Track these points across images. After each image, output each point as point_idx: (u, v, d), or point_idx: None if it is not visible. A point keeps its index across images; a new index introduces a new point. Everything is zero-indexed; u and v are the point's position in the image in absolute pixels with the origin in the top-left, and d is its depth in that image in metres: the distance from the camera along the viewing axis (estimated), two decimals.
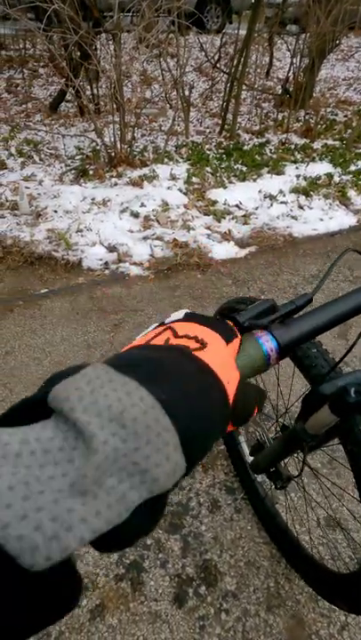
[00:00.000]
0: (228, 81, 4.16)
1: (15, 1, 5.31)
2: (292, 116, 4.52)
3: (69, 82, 4.02)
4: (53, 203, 2.91)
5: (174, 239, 2.57)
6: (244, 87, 4.60)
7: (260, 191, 3.14)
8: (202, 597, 1.18)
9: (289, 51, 4.64)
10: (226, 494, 1.41)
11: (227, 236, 2.68)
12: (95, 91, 4.70)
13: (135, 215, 2.74)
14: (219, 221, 2.78)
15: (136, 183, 3.08)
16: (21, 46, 6.28)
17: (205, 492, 1.42)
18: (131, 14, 5.07)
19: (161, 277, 2.40)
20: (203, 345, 0.29)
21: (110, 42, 4.15)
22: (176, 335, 0.31)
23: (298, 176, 3.38)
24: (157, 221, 2.71)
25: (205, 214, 2.85)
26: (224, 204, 2.96)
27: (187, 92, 4.31)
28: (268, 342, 0.38)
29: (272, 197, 3.07)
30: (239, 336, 0.35)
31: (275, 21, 5.08)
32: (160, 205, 2.83)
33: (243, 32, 4.05)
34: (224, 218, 2.81)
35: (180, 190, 3.04)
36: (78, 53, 4.14)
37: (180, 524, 1.33)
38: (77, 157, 3.70)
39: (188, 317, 0.34)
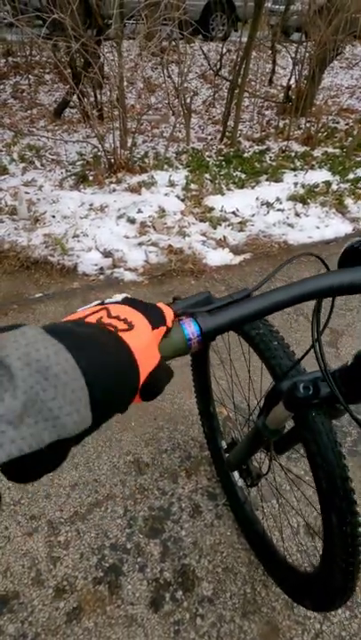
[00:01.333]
0: (230, 88, 4.19)
1: (23, 7, 5.40)
2: (294, 124, 4.54)
3: (73, 88, 4.08)
4: (52, 208, 2.94)
5: (169, 245, 2.59)
6: (246, 94, 4.64)
7: (257, 198, 3.16)
8: (178, 602, 1.19)
9: (292, 59, 4.67)
10: (207, 500, 1.42)
11: (222, 243, 2.70)
12: (99, 97, 4.76)
13: (132, 221, 2.77)
14: (214, 228, 2.81)
15: (134, 189, 3.11)
16: (28, 53, 6.37)
17: (188, 497, 1.43)
18: (134, 22, 5.15)
19: (155, 283, 2.42)
20: (130, 327, 0.34)
21: (114, 49, 4.21)
22: (109, 315, 0.35)
23: (296, 184, 3.40)
24: (153, 227, 2.73)
25: (201, 221, 2.87)
26: (221, 210, 2.99)
27: (189, 100, 4.35)
28: (190, 327, 0.40)
29: (269, 205, 3.09)
30: (168, 324, 0.39)
31: (277, 30, 5.12)
32: (157, 212, 2.85)
33: (246, 40, 4.09)
34: (220, 225, 2.83)
35: (178, 197, 3.07)
36: (82, 60, 4.20)
37: (160, 528, 1.34)
38: (78, 163, 3.75)
39: (125, 301, 0.38)
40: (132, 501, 1.41)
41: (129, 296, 0.39)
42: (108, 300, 0.38)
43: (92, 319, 0.34)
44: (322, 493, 0.78)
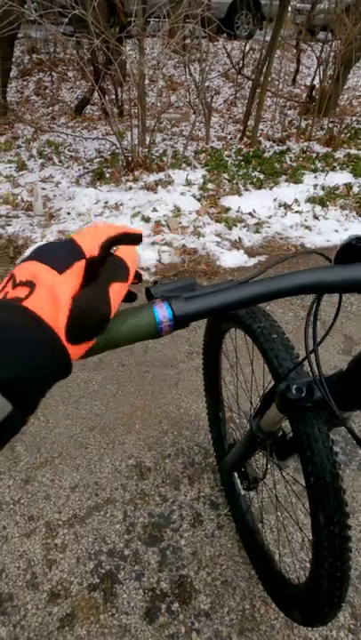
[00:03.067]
0: (253, 87, 4.13)
1: (48, 4, 5.43)
2: (316, 124, 4.45)
3: (93, 85, 4.07)
4: (67, 205, 2.94)
5: (183, 245, 2.56)
6: (268, 94, 4.56)
7: (275, 199, 3.09)
8: (174, 615, 1.15)
9: (317, 58, 4.58)
10: (210, 509, 1.38)
11: (237, 244, 2.65)
12: (119, 94, 4.75)
13: (146, 220, 2.74)
14: (230, 229, 2.76)
15: (150, 188, 3.08)
16: (52, 50, 6.41)
17: (189, 505, 1.39)
18: (157, 20, 5.12)
19: None
20: (31, 289, 0.30)
21: (136, 47, 4.19)
22: (14, 284, 0.31)
23: (316, 185, 3.32)
24: (168, 227, 2.70)
25: (217, 221, 2.82)
26: (237, 211, 2.93)
27: (210, 98, 4.30)
28: (162, 311, 0.39)
29: (287, 206, 3.02)
30: (82, 260, 0.33)
31: (302, 28, 5.02)
32: (172, 211, 2.82)
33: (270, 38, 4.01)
34: (235, 225, 2.78)
35: (194, 196, 3.03)
36: (104, 58, 4.19)
37: (159, 536, 1.31)
38: (96, 160, 3.74)
39: (33, 254, 0.33)
40: (132, 507, 1.38)
41: (40, 244, 0.35)
42: (21, 258, 0.34)
43: (0, 295, 0.31)
44: (311, 494, 0.75)
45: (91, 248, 0.34)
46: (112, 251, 0.37)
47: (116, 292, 0.34)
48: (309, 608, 0.87)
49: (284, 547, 1.28)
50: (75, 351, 0.31)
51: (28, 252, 0.34)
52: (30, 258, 0.33)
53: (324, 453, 0.74)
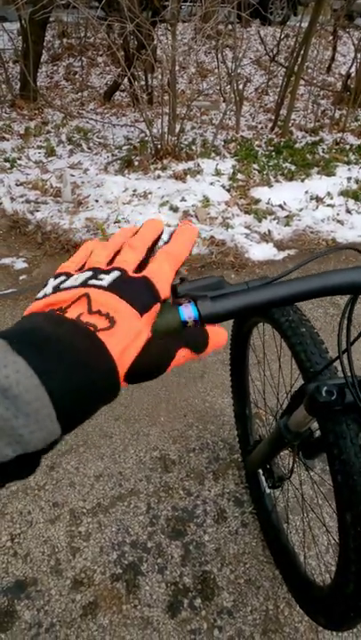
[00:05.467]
0: (286, 75, 4.02)
1: None
2: (351, 115, 4.31)
3: (124, 71, 4.03)
4: (96, 192, 2.92)
5: (211, 236, 2.52)
6: (302, 82, 4.43)
7: (306, 192, 3.01)
8: (196, 610, 1.14)
9: (354, 45, 4.42)
10: (234, 506, 1.36)
11: (266, 237, 2.59)
12: (150, 81, 4.69)
13: (174, 209, 2.70)
14: (259, 221, 2.70)
15: (179, 177, 3.04)
16: (82, 34, 6.36)
17: (213, 500, 1.38)
18: (190, 4, 5.01)
19: (194, 275, 2.36)
20: (111, 324, 0.30)
21: (168, 32, 4.11)
22: (90, 310, 0.31)
23: (349, 178, 3.22)
24: (196, 217, 2.66)
25: (246, 213, 2.77)
26: (267, 203, 2.87)
27: (241, 86, 4.21)
28: (187, 311, 0.37)
29: (319, 199, 2.94)
30: (162, 297, 0.34)
31: (341, 14, 4.85)
32: (201, 201, 2.78)
33: (306, 24, 3.88)
34: (265, 218, 2.72)
35: (223, 187, 2.97)
36: (135, 43, 4.13)
37: (183, 530, 1.30)
38: (125, 147, 3.71)
39: (112, 286, 0.32)
40: (155, 499, 1.37)
41: (117, 274, 0.33)
42: (91, 282, 0.33)
43: (73, 314, 0.31)
44: (338, 493, 0.72)
45: (163, 289, 0.34)
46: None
47: (182, 356, 0.35)
48: (335, 611, 0.84)
49: (310, 548, 1.26)
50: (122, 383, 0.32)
51: (106, 280, 0.33)
52: (111, 290, 0.32)
53: (353, 450, 0.72)
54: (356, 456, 0.72)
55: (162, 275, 0.35)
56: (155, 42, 3.78)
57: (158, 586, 1.18)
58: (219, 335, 0.38)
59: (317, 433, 0.84)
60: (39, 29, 4.45)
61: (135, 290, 0.33)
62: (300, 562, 1.11)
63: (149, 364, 0.33)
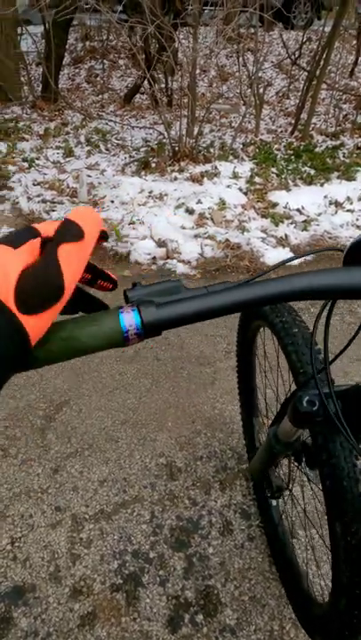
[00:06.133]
0: (307, 79, 3.96)
1: None
2: None
3: (144, 73, 4.03)
4: (112, 193, 2.91)
5: (227, 240, 2.48)
6: (324, 86, 4.37)
7: (325, 197, 2.95)
8: (198, 626, 1.10)
9: None
10: (240, 518, 1.31)
11: (283, 242, 2.54)
12: (170, 83, 4.68)
13: (190, 212, 2.67)
14: (276, 225, 2.65)
15: (196, 179, 3.01)
16: (104, 37, 6.41)
17: (219, 511, 1.33)
18: (213, 8, 4.99)
19: (208, 278, 2.32)
20: None
21: (189, 35, 4.10)
22: None
23: None
24: (212, 220, 2.62)
25: (263, 216, 2.72)
26: (285, 207, 2.82)
27: (262, 89, 4.17)
28: (129, 317, 0.35)
29: (338, 204, 2.88)
30: (38, 238, 0.33)
31: None
32: (217, 204, 2.74)
33: (329, 28, 3.83)
34: (282, 222, 2.67)
35: (241, 190, 2.93)
36: (156, 45, 4.13)
37: (186, 541, 1.25)
38: (143, 149, 3.70)
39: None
40: (160, 507, 1.33)
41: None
42: None
43: None
44: (328, 500, 0.67)
45: (47, 230, 0.34)
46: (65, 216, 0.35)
47: (68, 253, 0.32)
48: (330, 629, 0.79)
49: (313, 564, 1.20)
50: (32, 328, 0.30)
51: None
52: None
53: (342, 455, 0.66)
54: (345, 460, 0.67)
55: (48, 225, 0.35)
56: (175, 44, 3.77)
57: (159, 599, 1.14)
58: (81, 213, 0.35)
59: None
60: (62, 32, 4.49)
61: (14, 233, 0.34)
62: (304, 578, 1.06)
63: (36, 280, 0.30)
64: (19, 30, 4.65)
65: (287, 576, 1.12)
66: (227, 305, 0.36)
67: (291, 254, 2.47)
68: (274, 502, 1.23)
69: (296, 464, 0.86)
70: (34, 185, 3.06)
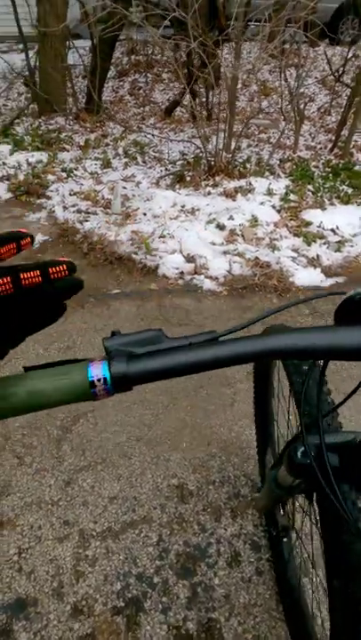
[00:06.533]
0: (351, 95, 3.89)
1: (153, 7, 5.55)
2: None
3: (186, 88, 4.07)
4: (145, 205, 2.94)
5: (256, 257, 2.44)
6: None
7: None
8: None
9: None
10: (250, 550, 1.27)
11: (314, 262, 2.48)
12: (210, 98, 4.72)
13: (221, 227, 2.66)
14: (308, 245, 2.59)
15: (229, 195, 3.00)
16: (150, 52, 6.54)
17: (228, 541, 1.29)
18: (257, 24, 5.01)
19: (234, 296, 2.29)
20: None
21: (233, 50, 4.12)
22: None
23: None
24: (242, 237, 2.60)
25: (295, 235, 2.67)
26: (319, 226, 2.76)
27: (302, 105, 4.12)
28: (97, 370, 0.33)
29: None
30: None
31: None
32: (249, 220, 2.71)
33: None
34: (315, 241, 2.61)
35: (274, 207, 2.90)
36: (199, 60, 4.18)
37: (192, 569, 1.23)
38: (179, 163, 3.73)
39: None
40: (168, 530, 1.31)
41: None
42: None
43: None
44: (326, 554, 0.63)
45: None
46: None
47: None
48: None
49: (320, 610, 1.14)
50: None
51: None
52: None
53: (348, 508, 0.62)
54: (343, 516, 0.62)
55: None
56: (218, 60, 3.80)
57: (160, 627, 1.11)
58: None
59: None
60: (108, 48, 4.61)
61: None
62: (309, 620, 1.01)
63: None
64: (67, 43, 4.81)
65: (292, 616, 1.07)
66: (204, 361, 0.35)
67: (321, 275, 2.41)
68: (285, 538, 1.19)
69: (301, 504, 0.82)
70: (70, 195, 3.14)
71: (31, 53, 4.69)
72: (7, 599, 1.16)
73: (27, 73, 4.94)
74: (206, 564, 1.24)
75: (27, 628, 1.11)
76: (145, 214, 2.85)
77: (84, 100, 5.11)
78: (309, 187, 3.27)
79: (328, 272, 2.45)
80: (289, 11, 3.22)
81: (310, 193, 3.19)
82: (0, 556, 1.24)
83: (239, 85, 5.14)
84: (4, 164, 3.59)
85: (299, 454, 0.59)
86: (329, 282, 2.39)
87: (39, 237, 2.80)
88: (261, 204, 2.88)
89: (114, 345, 0.36)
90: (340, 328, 0.36)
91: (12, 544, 1.27)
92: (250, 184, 3.12)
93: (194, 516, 1.35)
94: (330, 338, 0.36)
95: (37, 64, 4.69)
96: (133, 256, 2.50)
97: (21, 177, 3.38)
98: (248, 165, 3.62)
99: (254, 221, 2.71)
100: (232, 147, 3.57)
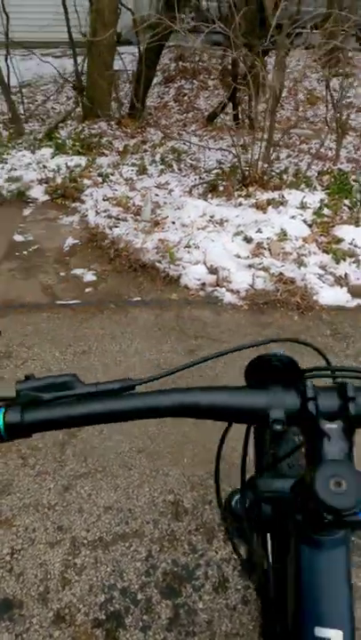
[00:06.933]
0: None
1: (201, 19, 5.57)
2: None
3: (230, 95, 4.07)
4: (175, 214, 2.96)
5: (280, 273, 2.40)
6: None
7: None
8: None
9: None
10: (238, 577, 1.25)
11: (341, 281, 2.41)
12: (253, 106, 4.68)
13: (248, 240, 2.63)
14: (337, 262, 2.52)
15: (260, 207, 2.96)
16: (197, 59, 6.57)
17: (218, 564, 1.27)
18: (307, 31, 4.92)
19: (254, 311, 2.26)
20: None
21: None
22: None
23: None
24: (269, 251, 2.56)
25: (325, 252, 2.60)
26: (350, 243, 2.67)
27: (345, 116, 4.01)
28: None
29: None
30: None
31: None
32: (277, 234, 2.67)
33: None
34: (345, 259, 2.53)
35: (305, 221, 2.83)
36: (245, 69, 4.16)
37: (177, 590, 1.21)
38: (214, 171, 3.72)
39: None
40: (157, 547, 1.31)
41: None
42: None
43: None
44: None
45: None
46: None
47: None
48: None
49: None
50: None
51: None
52: None
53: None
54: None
55: None
56: (260, 69, 3.77)
57: None
58: None
59: None
60: (154, 56, 4.68)
61: None
62: None
63: None
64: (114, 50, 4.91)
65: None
66: (103, 412, 0.35)
67: (348, 295, 2.33)
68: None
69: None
70: (103, 200, 3.20)
71: (80, 60, 4.84)
72: None
73: (74, 78, 5.09)
74: (192, 586, 1.22)
75: (9, 628, 1.14)
76: (173, 223, 2.86)
77: (127, 106, 5.21)
78: (346, 201, 3.17)
79: (356, 292, 2.37)
80: (340, 20, 3.14)
81: (346, 208, 3.10)
82: None
83: (285, 94, 5.07)
84: (44, 167, 3.71)
85: (233, 502, 0.59)
86: (355, 302, 2.31)
87: (69, 241, 2.87)
88: (292, 217, 2.83)
89: (24, 389, 0.36)
90: (242, 389, 0.36)
91: (5, 544, 1.31)
92: (283, 197, 3.06)
93: (186, 535, 1.33)
94: (235, 399, 0.36)
95: (85, 70, 4.83)
96: (157, 264, 2.52)
97: (59, 180, 3.48)
98: (285, 176, 3.56)
99: (283, 235, 2.66)
100: (270, 156, 3.53)
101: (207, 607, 1.18)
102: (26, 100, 6.04)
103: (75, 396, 0.36)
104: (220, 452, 0.59)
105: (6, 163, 3.78)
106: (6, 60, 4.93)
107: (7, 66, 4.94)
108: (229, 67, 4.64)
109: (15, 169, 3.67)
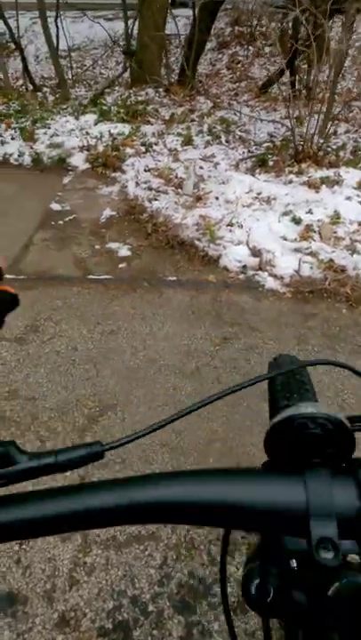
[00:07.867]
0: None
1: None
2: None
3: (288, 63, 3.75)
4: (219, 189, 2.76)
5: (331, 260, 2.18)
6: None
7: None
8: None
9: None
10: None
11: None
12: (313, 76, 4.31)
13: (297, 221, 2.41)
14: None
15: (313, 185, 2.71)
16: (254, 23, 6.14)
17: (239, 581, 1.15)
18: None
19: (298, 300, 2.07)
20: None
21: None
22: None
23: None
24: (319, 234, 2.33)
25: None
26: None
27: None
28: None
29: None
30: None
31: None
32: (330, 216, 2.43)
33: None
34: None
35: None
36: (306, 34, 3.80)
37: (192, 606, 1.10)
38: (264, 145, 3.46)
39: None
40: (174, 554, 1.20)
41: None
42: None
43: None
44: None
45: None
46: None
47: None
48: None
49: None
50: None
51: None
52: None
53: None
54: None
55: None
56: (325, 33, 3.42)
57: None
58: None
59: None
60: (208, 17, 4.38)
61: None
62: None
63: None
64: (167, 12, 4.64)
65: None
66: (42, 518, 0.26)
67: None
68: None
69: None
70: (145, 170, 3.04)
71: (131, 22, 4.60)
72: None
73: (124, 42, 4.87)
74: (209, 603, 1.11)
75: (11, 626, 1.07)
76: (217, 198, 2.67)
77: (177, 73, 4.95)
78: None
79: None
80: None
81: None
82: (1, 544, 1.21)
83: (347, 63, 4.64)
84: (87, 133, 3.57)
85: (252, 589, 0.44)
86: None
87: (107, 212, 2.74)
88: (348, 198, 2.57)
89: None
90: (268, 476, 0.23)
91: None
92: (339, 175, 2.79)
93: (205, 545, 1.22)
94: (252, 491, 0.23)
95: (135, 33, 4.59)
96: (196, 242, 2.35)
97: (101, 148, 3.34)
98: (342, 153, 3.26)
99: (336, 218, 2.42)
100: (327, 131, 3.22)
101: (223, 629, 1.07)
102: (74, 65, 5.89)
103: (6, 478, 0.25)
104: (224, 564, 0.44)
105: (49, 128, 3.67)
106: (56, 21, 4.77)
107: (57, 27, 4.78)
108: (290, 30, 4.27)
109: (57, 135, 3.56)
